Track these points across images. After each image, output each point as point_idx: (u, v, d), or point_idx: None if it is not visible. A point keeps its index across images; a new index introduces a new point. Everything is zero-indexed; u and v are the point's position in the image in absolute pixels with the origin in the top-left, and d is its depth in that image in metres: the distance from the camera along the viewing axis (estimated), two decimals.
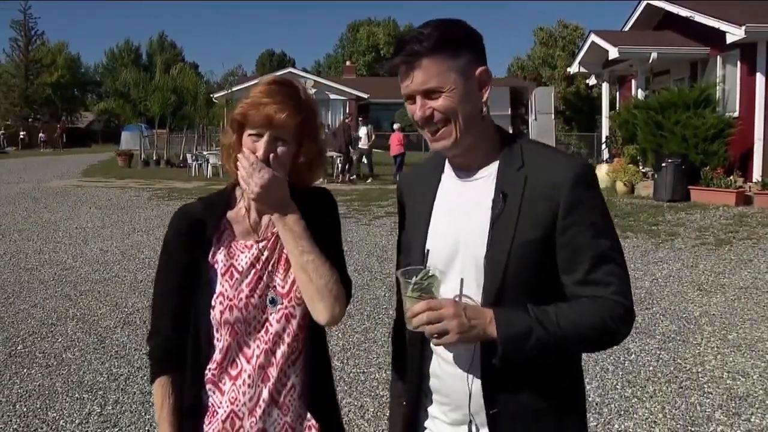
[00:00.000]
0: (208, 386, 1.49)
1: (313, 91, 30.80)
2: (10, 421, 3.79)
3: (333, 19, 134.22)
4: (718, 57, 13.91)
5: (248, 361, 1.47)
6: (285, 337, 1.48)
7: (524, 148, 1.41)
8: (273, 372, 1.47)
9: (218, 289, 1.48)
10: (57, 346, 5.08)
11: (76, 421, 3.78)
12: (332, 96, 33.66)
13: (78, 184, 17.86)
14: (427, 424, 1.51)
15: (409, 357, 1.53)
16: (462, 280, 1.38)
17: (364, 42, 60.70)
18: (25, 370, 4.58)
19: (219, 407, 1.48)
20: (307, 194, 1.57)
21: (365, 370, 4.53)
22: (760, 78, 12.66)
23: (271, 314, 1.48)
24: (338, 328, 5.42)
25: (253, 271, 1.49)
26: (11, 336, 5.33)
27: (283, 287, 1.49)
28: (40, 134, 42.46)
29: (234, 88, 27.17)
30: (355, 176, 18.31)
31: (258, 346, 1.47)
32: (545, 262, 1.35)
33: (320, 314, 1.45)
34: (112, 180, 19.15)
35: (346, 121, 20.04)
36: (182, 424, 1.51)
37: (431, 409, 1.50)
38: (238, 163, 1.47)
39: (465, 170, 1.46)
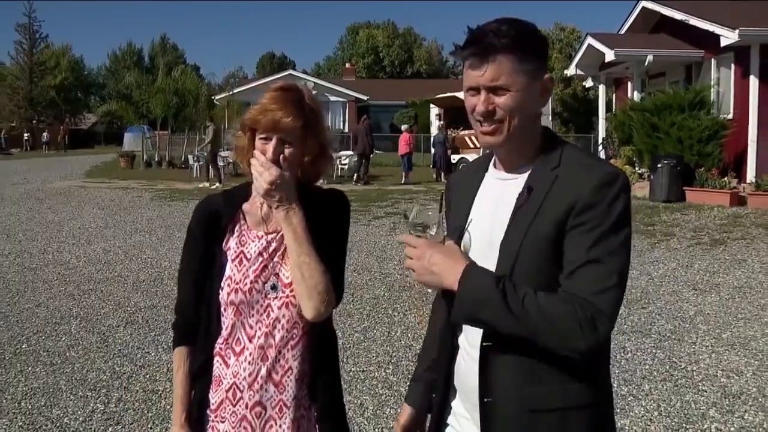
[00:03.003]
0: (216, 359, 1.66)
1: (313, 92, 30.98)
2: (15, 418, 3.83)
3: (333, 21, 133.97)
4: (713, 60, 13.98)
5: (250, 341, 1.62)
6: (284, 323, 1.62)
7: (564, 151, 1.42)
8: (271, 353, 1.61)
9: (227, 272, 1.63)
10: (61, 345, 5.13)
11: (80, 419, 3.81)
12: (332, 98, 33.70)
13: (81, 185, 17.91)
14: (449, 420, 1.53)
15: (440, 350, 1.55)
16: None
17: (364, 44, 60.64)
18: (29, 368, 4.63)
19: (224, 378, 1.65)
20: (319, 195, 1.71)
21: (365, 369, 4.57)
22: (753, 80, 12.72)
23: (273, 300, 1.62)
24: (338, 328, 5.44)
25: (261, 259, 1.63)
26: (16, 335, 5.38)
27: (287, 278, 1.62)
28: (44, 134, 42.62)
29: (235, 90, 27.30)
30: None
31: (259, 328, 1.62)
32: (555, 259, 1.33)
33: (307, 310, 1.57)
34: (115, 181, 19.19)
35: (366, 122, 19.43)
36: (192, 387, 1.70)
37: (455, 405, 1.52)
38: (251, 160, 1.60)
39: (507, 169, 1.47)
